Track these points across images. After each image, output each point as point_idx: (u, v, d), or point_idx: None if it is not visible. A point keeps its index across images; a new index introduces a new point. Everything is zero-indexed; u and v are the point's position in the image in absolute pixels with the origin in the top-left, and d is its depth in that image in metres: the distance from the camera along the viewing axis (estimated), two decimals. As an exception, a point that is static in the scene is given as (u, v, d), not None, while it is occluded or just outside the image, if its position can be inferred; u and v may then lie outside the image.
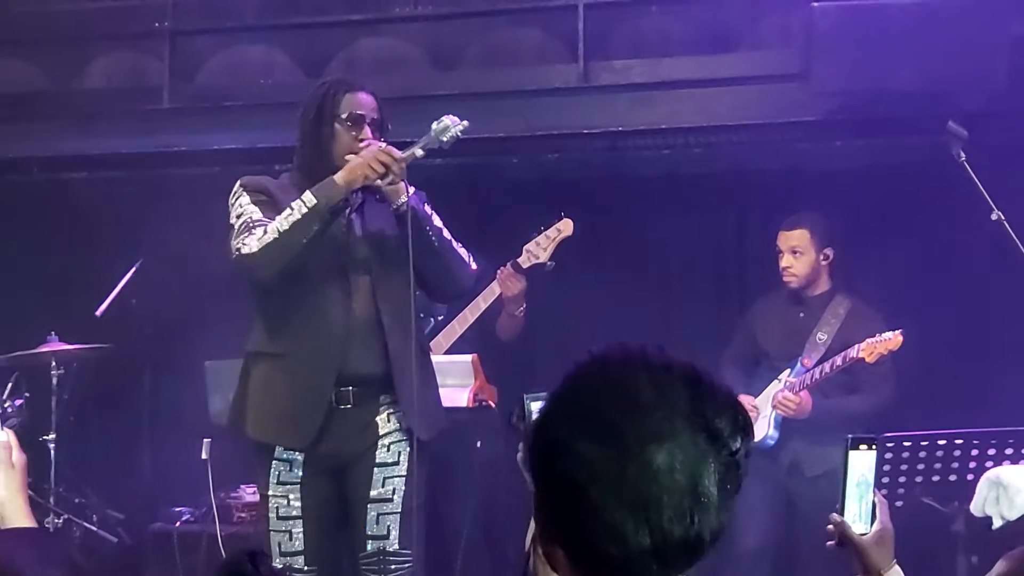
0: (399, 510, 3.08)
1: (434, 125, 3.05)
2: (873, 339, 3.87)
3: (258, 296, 3.13)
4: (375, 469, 3.09)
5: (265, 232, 3.00)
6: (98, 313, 4.73)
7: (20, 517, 1.81)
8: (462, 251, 3.18)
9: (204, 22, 5.12)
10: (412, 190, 3.07)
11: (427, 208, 3.11)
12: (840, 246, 4.17)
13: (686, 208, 4.78)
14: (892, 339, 3.85)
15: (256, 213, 3.07)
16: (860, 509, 2.05)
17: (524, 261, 4.13)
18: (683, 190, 4.72)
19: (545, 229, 4.13)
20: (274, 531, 3.11)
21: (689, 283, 4.84)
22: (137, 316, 4.89)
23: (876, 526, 2.03)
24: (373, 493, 3.09)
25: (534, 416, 1.73)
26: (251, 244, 3.01)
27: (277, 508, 3.11)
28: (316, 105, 3.13)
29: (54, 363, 4.52)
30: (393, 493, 3.09)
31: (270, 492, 3.12)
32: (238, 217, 3.09)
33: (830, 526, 2.05)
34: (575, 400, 1.28)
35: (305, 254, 3.00)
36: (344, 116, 3.09)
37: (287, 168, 3.27)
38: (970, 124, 3.52)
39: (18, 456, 1.88)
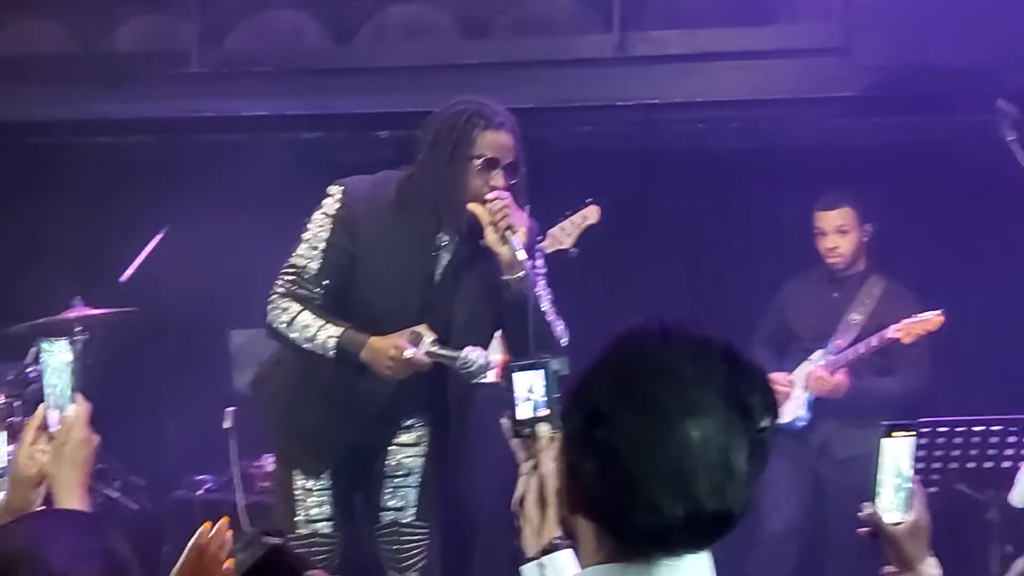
0: (418, 483, 3.08)
1: (468, 354, 2.86)
2: (910, 319, 3.79)
3: None
4: (392, 447, 3.10)
5: (287, 325, 2.93)
6: (123, 279, 4.70)
7: (69, 495, 1.79)
8: (559, 328, 3.01)
9: (234, -15, 5.06)
10: (530, 264, 2.87)
11: (538, 286, 2.93)
12: (876, 224, 4.09)
13: (719, 183, 4.70)
14: (931, 319, 3.77)
15: (311, 264, 2.94)
16: (895, 498, 1.98)
17: (548, 246, 4.04)
18: (717, 165, 4.63)
19: (571, 214, 4.06)
20: (301, 499, 3.09)
21: (720, 260, 4.77)
22: (162, 283, 4.86)
23: (911, 516, 1.97)
24: (390, 466, 3.09)
25: (518, 385, 1.74)
26: (271, 314, 2.97)
27: (305, 480, 3.10)
28: (451, 138, 2.88)
29: (79, 328, 4.50)
30: (410, 471, 3.09)
31: (300, 468, 3.13)
32: (302, 244, 2.96)
33: (861, 513, 1.99)
34: (616, 371, 1.31)
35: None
36: (478, 157, 2.87)
37: (403, 169, 3.03)
38: (1018, 102, 3.42)
39: (79, 432, 1.84)
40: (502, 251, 2.86)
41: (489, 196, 2.87)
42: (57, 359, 1.93)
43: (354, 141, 4.72)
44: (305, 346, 2.93)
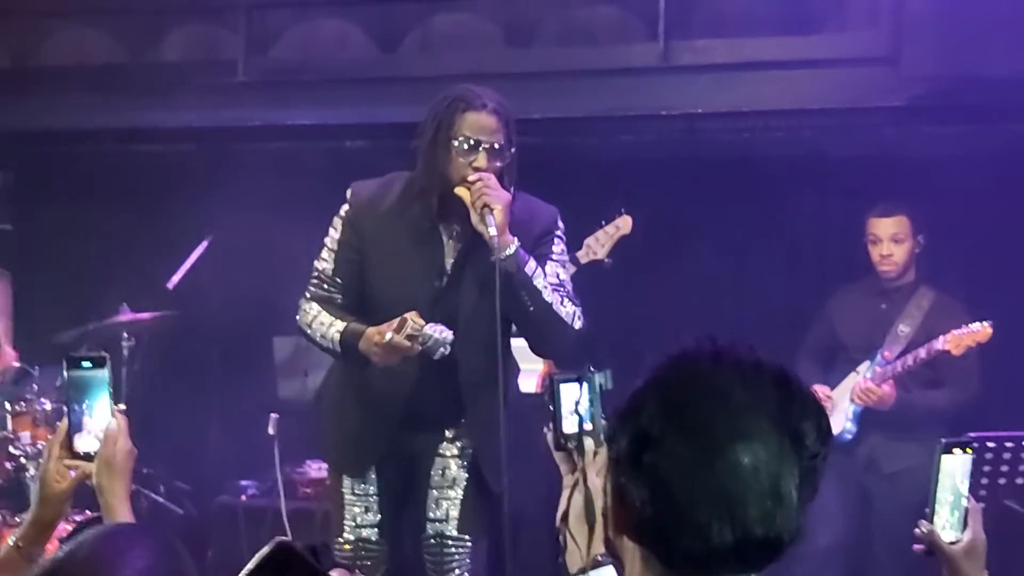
0: (461, 496, 3.07)
1: (425, 330, 2.83)
2: (960, 330, 3.74)
3: None
4: (437, 458, 3.10)
5: (309, 327, 3.02)
6: (169, 286, 4.74)
7: (120, 505, 1.82)
8: (566, 309, 2.96)
9: (280, -5, 5.10)
10: (515, 243, 2.87)
11: (530, 265, 2.90)
12: (926, 235, 4.04)
13: (764, 193, 4.66)
14: (980, 331, 3.72)
15: (327, 265, 3.03)
16: (951, 516, 1.96)
17: (583, 256, 4.03)
18: (762, 175, 4.60)
19: (605, 224, 4.05)
20: (349, 505, 3.11)
21: (764, 270, 4.72)
22: (207, 290, 4.90)
23: (967, 535, 1.95)
24: (435, 478, 3.09)
25: (563, 398, 1.73)
26: (300, 317, 3.06)
27: (352, 485, 3.11)
28: (434, 123, 2.92)
29: (125, 334, 4.54)
30: (454, 483, 3.08)
31: (350, 475, 3.14)
32: (323, 248, 3.06)
33: (917, 530, 1.96)
34: (665, 394, 1.29)
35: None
36: (459, 139, 2.88)
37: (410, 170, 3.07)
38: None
39: (123, 443, 1.87)
40: (483, 231, 2.85)
41: (471, 178, 2.86)
42: (86, 375, 1.89)
43: (399, 150, 4.72)
44: (323, 344, 3.00)
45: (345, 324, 2.96)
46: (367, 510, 3.10)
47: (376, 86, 4.79)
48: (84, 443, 1.88)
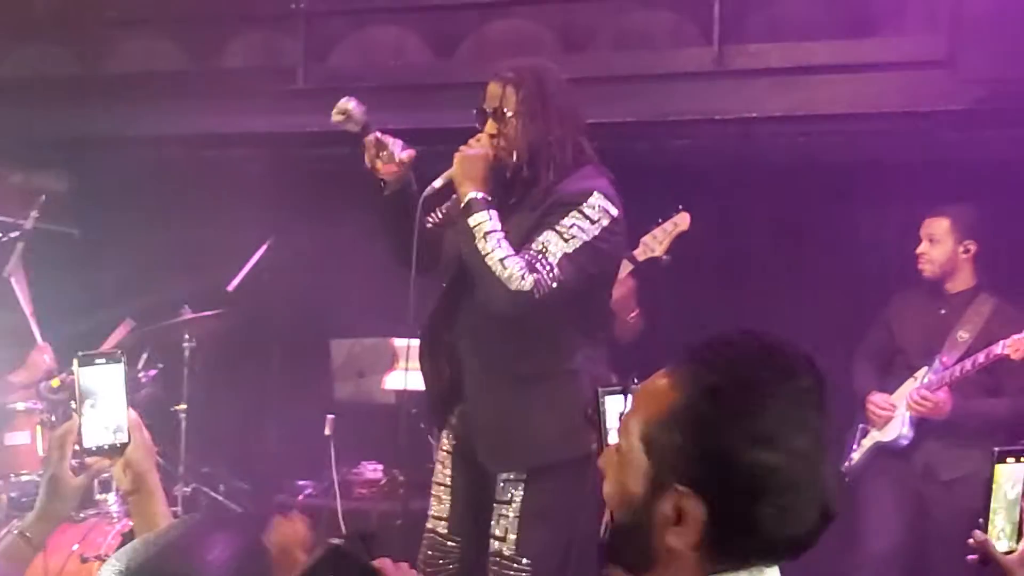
0: (518, 514, 2.94)
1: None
2: (1021, 335, 3.68)
3: None
4: (499, 473, 3.00)
5: None
6: (230, 288, 4.83)
7: (156, 484, 1.89)
8: (506, 269, 2.77)
9: (338, 3, 5.17)
10: (474, 194, 2.93)
11: (479, 215, 2.86)
12: (986, 242, 3.99)
13: (821, 198, 4.63)
14: (1042, 338, 3.66)
15: None
16: (1006, 526, 1.95)
17: (640, 254, 4.02)
18: (819, 179, 4.57)
19: (662, 222, 4.04)
20: (432, 493, 3.13)
21: (822, 276, 4.69)
22: (267, 293, 4.98)
23: (1022, 545, 1.93)
24: (498, 488, 3.00)
25: (608, 410, 1.73)
26: None
27: (436, 472, 3.15)
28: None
29: (186, 335, 4.62)
30: (511, 499, 2.95)
31: (438, 457, 3.17)
32: None
33: (971, 540, 1.96)
34: (743, 401, 1.30)
35: (395, 241, 3.05)
36: (477, 112, 3.05)
37: None
38: None
39: (145, 432, 1.94)
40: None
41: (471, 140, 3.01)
42: (99, 372, 1.90)
43: (455, 155, 4.78)
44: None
45: None
46: (440, 502, 3.07)
47: (432, 92, 4.84)
48: (98, 438, 1.89)
